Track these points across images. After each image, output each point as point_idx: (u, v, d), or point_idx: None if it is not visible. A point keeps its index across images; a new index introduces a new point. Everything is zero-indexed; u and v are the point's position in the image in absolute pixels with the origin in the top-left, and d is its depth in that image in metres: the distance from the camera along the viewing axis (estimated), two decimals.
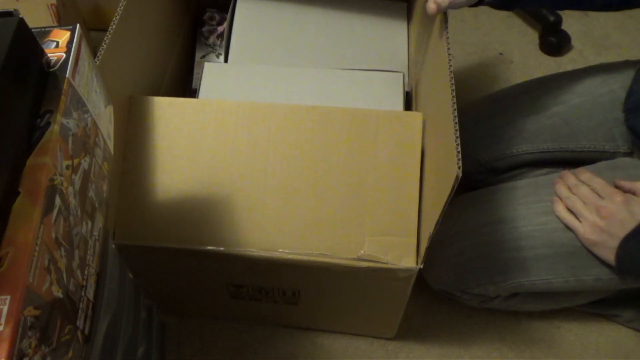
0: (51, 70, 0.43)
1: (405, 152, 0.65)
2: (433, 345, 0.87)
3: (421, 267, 0.62)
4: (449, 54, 0.59)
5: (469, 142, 0.87)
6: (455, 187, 0.50)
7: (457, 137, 0.51)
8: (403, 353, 0.87)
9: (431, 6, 0.63)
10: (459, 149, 0.50)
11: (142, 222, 0.65)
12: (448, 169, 0.51)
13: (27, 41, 0.42)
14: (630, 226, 0.66)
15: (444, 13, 0.64)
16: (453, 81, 0.56)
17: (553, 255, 0.72)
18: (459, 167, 0.48)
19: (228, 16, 0.87)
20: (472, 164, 0.88)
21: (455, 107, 0.54)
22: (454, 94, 0.55)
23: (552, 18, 1.20)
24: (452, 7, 0.64)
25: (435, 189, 0.59)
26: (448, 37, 0.61)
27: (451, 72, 0.57)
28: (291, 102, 0.69)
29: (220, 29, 0.97)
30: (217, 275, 0.72)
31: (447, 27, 0.62)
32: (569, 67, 1.12)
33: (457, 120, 0.53)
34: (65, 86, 0.43)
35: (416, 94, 0.80)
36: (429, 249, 0.59)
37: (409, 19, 0.88)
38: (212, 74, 0.78)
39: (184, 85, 0.96)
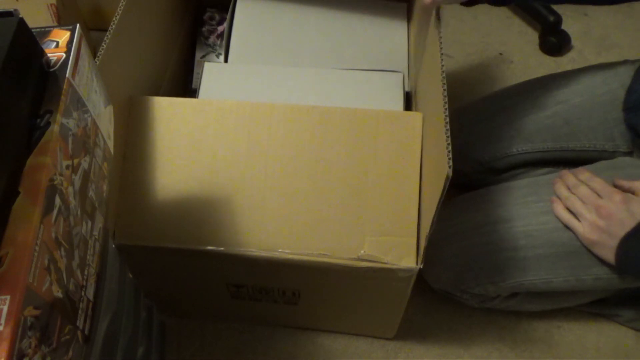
0: (51, 70, 0.43)
1: (405, 152, 0.65)
2: (433, 345, 0.87)
3: (421, 267, 0.62)
4: (442, 53, 0.59)
5: (468, 141, 0.87)
6: (447, 187, 0.50)
7: (447, 137, 0.51)
8: (403, 353, 0.87)
9: (426, 0, 0.63)
10: (450, 148, 0.50)
11: (142, 222, 0.65)
12: (441, 168, 0.51)
13: (27, 41, 0.42)
14: (629, 225, 0.66)
15: (437, 12, 0.63)
16: (445, 80, 0.56)
17: (553, 254, 0.72)
18: (449, 167, 0.48)
19: (228, 16, 0.87)
20: (472, 164, 0.88)
21: (447, 105, 0.54)
22: (446, 93, 0.55)
23: (552, 18, 1.20)
24: (448, 1, 0.63)
25: (431, 188, 0.59)
26: (441, 37, 0.60)
27: (443, 71, 0.57)
28: (291, 102, 0.69)
29: (220, 29, 0.97)
30: (217, 275, 0.72)
31: (440, 26, 0.62)
32: (569, 67, 1.12)
33: (447, 120, 0.52)
34: (65, 86, 0.43)
35: (416, 94, 0.80)
36: (428, 248, 0.59)
37: (409, 19, 0.88)
38: (212, 74, 0.78)
39: (184, 85, 0.96)
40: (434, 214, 0.54)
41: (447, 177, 0.48)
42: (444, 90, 0.55)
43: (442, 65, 0.58)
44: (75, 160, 0.44)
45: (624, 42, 1.24)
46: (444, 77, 0.56)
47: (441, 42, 0.60)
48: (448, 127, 0.52)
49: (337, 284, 0.70)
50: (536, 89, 0.86)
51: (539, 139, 0.84)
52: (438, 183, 0.52)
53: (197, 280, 0.75)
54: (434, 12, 0.64)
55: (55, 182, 0.39)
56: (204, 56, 0.97)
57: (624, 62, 0.83)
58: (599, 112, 0.81)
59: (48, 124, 0.41)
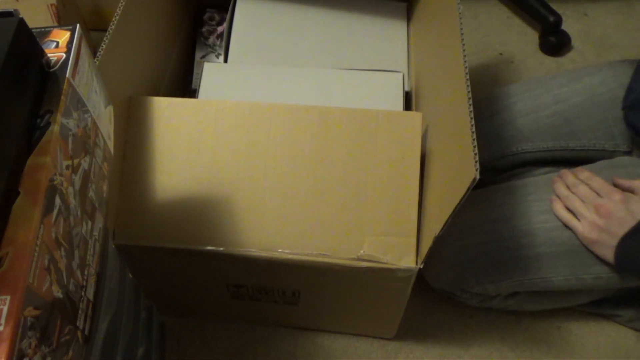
0: (51, 70, 0.43)
1: (405, 152, 0.65)
2: (433, 345, 0.87)
3: (421, 267, 0.62)
4: (464, 56, 0.58)
5: None
6: (471, 189, 0.50)
7: (474, 139, 0.51)
8: (403, 353, 0.87)
9: None
10: (476, 151, 0.50)
11: (142, 222, 0.65)
12: (462, 170, 0.51)
13: (27, 41, 0.42)
14: (629, 225, 0.66)
15: (458, 12, 0.63)
16: (469, 82, 0.55)
17: (553, 253, 0.72)
18: (476, 170, 0.48)
19: (228, 16, 0.87)
20: None
21: (472, 108, 0.53)
22: (470, 95, 0.54)
23: (552, 18, 1.20)
24: None
25: (444, 189, 0.58)
26: (463, 37, 0.60)
27: (467, 73, 0.56)
28: (291, 102, 0.69)
29: (220, 29, 0.97)
30: (217, 275, 0.72)
31: (462, 27, 0.61)
32: (569, 67, 1.12)
33: (473, 122, 0.52)
34: (65, 86, 0.43)
35: (416, 94, 0.80)
36: (432, 249, 0.59)
37: (409, 19, 0.88)
38: (211, 74, 0.78)
39: (184, 85, 0.96)
40: (449, 215, 0.53)
41: (474, 179, 0.48)
42: (469, 92, 0.54)
43: (466, 68, 0.56)
44: (75, 161, 0.44)
45: (624, 42, 1.24)
46: (467, 80, 0.55)
47: (464, 44, 0.59)
48: (474, 129, 0.51)
49: (337, 284, 0.70)
50: (536, 89, 0.86)
51: (539, 139, 0.84)
52: (457, 185, 0.51)
53: (197, 280, 0.75)
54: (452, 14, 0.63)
55: (55, 182, 0.39)
56: (203, 56, 0.97)
57: (624, 62, 0.84)
58: (598, 111, 0.81)
59: (48, 124, 0.41)
